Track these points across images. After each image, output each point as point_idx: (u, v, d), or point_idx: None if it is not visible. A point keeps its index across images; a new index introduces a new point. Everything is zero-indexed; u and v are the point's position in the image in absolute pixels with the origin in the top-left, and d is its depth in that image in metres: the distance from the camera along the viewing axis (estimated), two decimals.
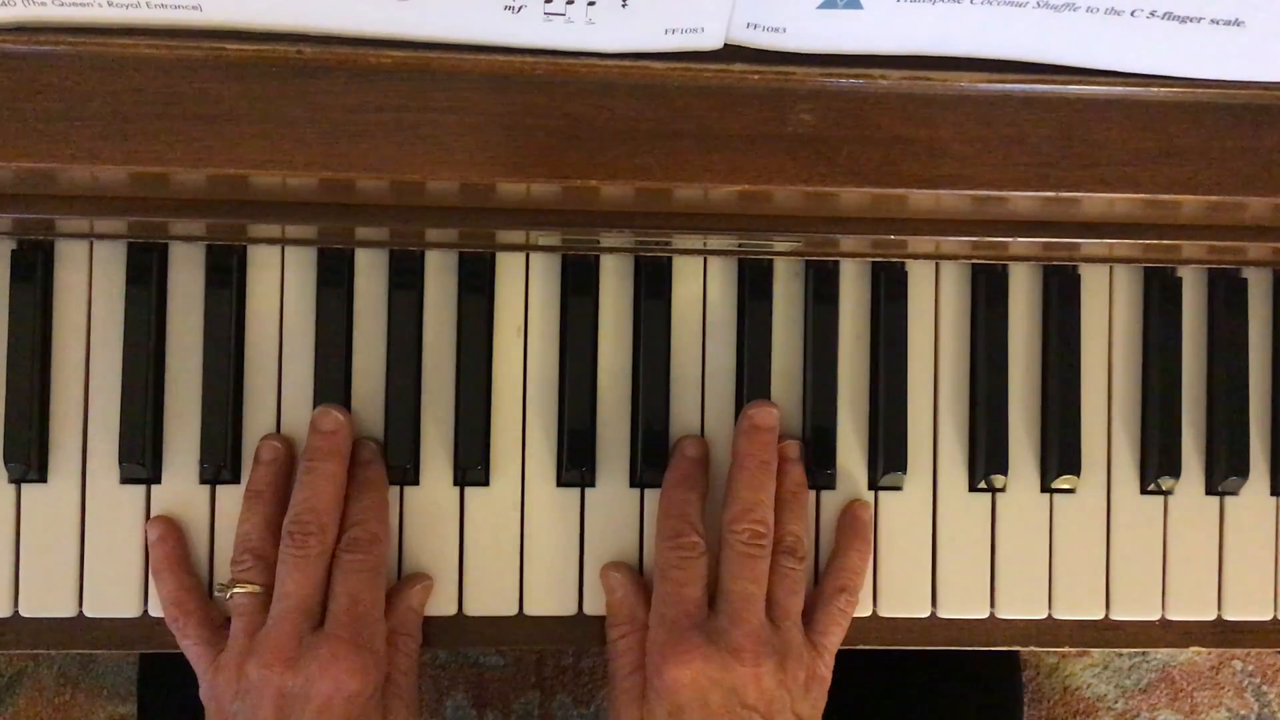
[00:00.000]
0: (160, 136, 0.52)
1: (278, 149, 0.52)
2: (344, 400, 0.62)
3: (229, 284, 0.61)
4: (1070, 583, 0.65)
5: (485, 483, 0.63)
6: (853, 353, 0.64)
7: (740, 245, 0.62)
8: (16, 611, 0.61)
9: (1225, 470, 0.65)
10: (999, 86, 0.54)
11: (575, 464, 0.63)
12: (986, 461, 0.64)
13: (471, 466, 0.62)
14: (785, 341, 0.64)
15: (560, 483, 0.63)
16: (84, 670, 1.10)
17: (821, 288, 0.64)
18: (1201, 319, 0.66)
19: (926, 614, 0.65)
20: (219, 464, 0.61)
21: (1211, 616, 0.66)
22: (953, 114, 0.54)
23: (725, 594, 0.59)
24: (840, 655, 0.62)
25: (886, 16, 0.51)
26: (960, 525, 0.65)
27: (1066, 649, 0.66)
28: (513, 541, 0.63)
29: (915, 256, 0.64)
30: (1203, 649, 0.68)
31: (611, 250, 0.63)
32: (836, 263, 0.64)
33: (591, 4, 0.50)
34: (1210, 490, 0.66)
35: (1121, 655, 1.18)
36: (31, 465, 0.60)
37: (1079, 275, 0.65)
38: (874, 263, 0.64)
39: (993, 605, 0.65)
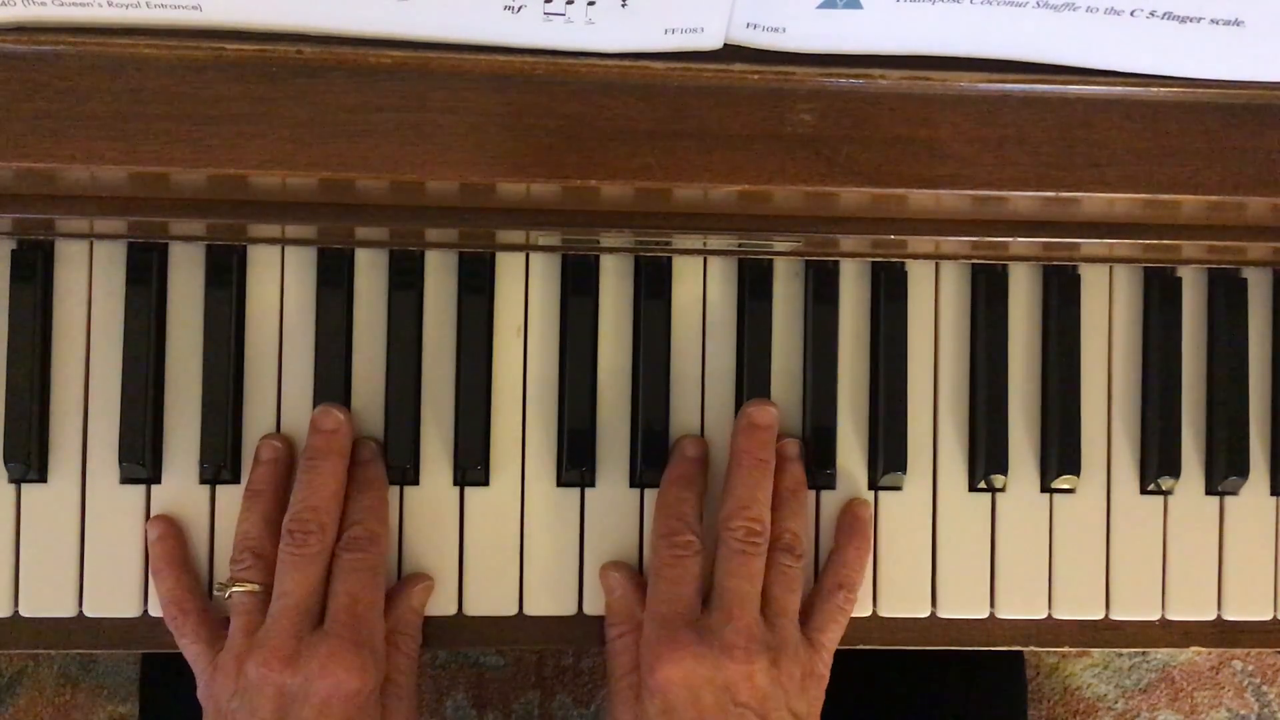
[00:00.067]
0: (160, 136, 0.52)
1: (278, 149, 0.52)
2: (344, 400, 0.62)
3: (229, 284, 0.61)
4: (1070, 583, 0.65)
5: (485, 483, 0.63)
6: (853, 353, 0.64)
7: (740, 245, 0.62)
8: (16, 611, 0.61)
9: (1225, 470, 0.65)
10: (999, 86, 0.54)
11: (575, 464, 0.63)
12: (986, 461, 0.64)
13: (471, 466, 0.62)
14: (785, 341, 0.64)
15: (560, 483, 0.63)
16: (84, 670, 1.10)
17: (821, 288, 0.64)
18: (1201, 319, 0.66)
19: (926, 614, 0.65)
20: (219, 464, 0.61)
21: (1211, 616, 0.66)
22: (952, 114, 0.54)
23: (719, 592, 0.59)
24: (842, 655, 0.62)
25: (886, 16, 0.51)
26: (960, 525, 0.65)
27: (1066, 649, 0.66)
28: (513, 541, 0.63)
29: (915, 256, 0.64)
30: (1203, 649, 0.68)
31: (611, 250, 0.63)
32: (836, 263, 0.64)
33: (591, 4, 0.50)
34: (1210, 490, 0.66)
35: (1121, 655, 1.18)
36: (31, 465, 0.60)
37: (1079, 275, 0.65)
38: (874, 263, 0.64)
39: (993, 605, 0.65)
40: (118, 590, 0.61)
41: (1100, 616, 0.65)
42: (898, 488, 0.64)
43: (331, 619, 0.57)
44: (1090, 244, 0.62)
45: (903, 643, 0.65)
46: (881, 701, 0.78)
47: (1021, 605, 0.65)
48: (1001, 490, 0.65)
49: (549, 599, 0.63)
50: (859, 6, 0.51)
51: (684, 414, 0.64)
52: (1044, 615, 0.65)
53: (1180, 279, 0.66)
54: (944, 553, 0.64)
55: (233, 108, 0.52)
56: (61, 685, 1.10)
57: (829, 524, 0.64)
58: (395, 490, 0.62)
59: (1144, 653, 1.18)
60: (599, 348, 0.63)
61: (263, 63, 0.51)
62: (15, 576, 0.61)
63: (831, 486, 0.64)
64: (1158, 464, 0.65)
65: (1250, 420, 0.66)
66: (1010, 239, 0.60)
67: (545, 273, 0.63)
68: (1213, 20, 0.52)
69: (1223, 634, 0.66)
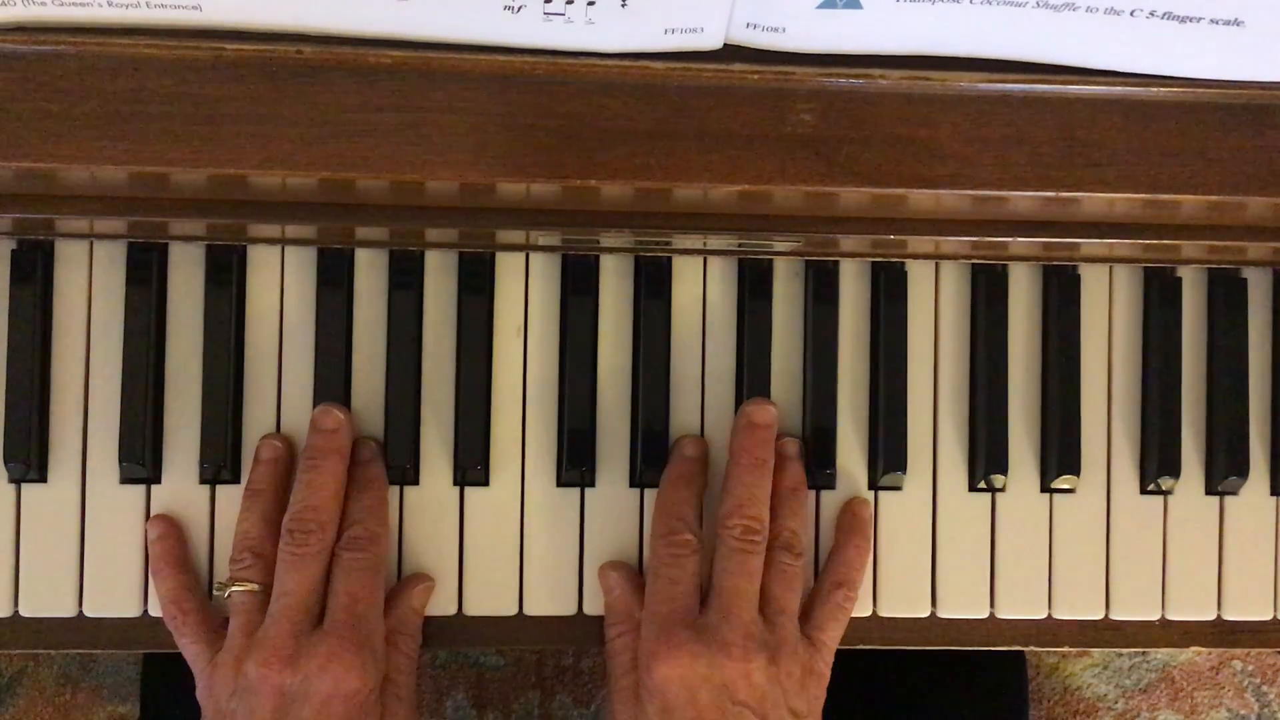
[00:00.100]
0: (160, 136, 0.52)
1: (278, 149, 0.52)
2: (344, 400, 0.62)
3: (229, 284, 0.61)
4: (1070, 583, 0.65)
5: (485, 482, 0.63)
6: (853, 353, 0.64)
7: (740, 245, 0.62)
8: (16, 611, 0.61)
9: (1225, 470, 0.65)
10: (999, 86, 0.54)
11: (575, 464, 0.63)
12: (986, 461, 0.64)
13: (471, 466, 0.62)
14: (785, 341, 0.64)
15: (560, 482, 0.63)
16: (84, 670, 1.10)
17: (821, 288, 0.64)
18: (1201, 319, 0.66)
19: (926, 614, 0.65)
20: (219, 464, 0.61)
21: (1211, 616, 0.66)
22: (952, 114, 0.54)
23: (717, 590, 0.59)
24: (842, 655, 0.62)
25: (886, 16, 0.51)
26: (960, 525, 0.65)
27: (1066, 649, 0.66)
28: (513, 541, 0.63)
29: (915, 256, 0.64)
30: (1203, 649, 0.68)
31: (611, 250, 0.63)
32: (836, 263, 0.64)
33: (591, 4, 0.50)
34: (1210, 490, 0.66)
35: (1121, 655, 1.18)
36: (31, 465, 0.60)
37: (1079, 275, 0.65)
38: (874, 263, 0.64)
39: (992, 605, 0.65)
40: (118, 590, 0.61)
41: (1100, 616, 0.65)
42: (898, 488, 0.64)
43: (331, 618, 0.57)
44: (1090, 244, 0.62)
45: (903, 643, 0.65)
46: (881, 701, 0.78)
47: (1021, 605, 0.65)
48: (1001, 490, 0.65)
49: (549, 599, 0.63)
50: (859, 6, 0.51)
51: (684, 414, 0.64)
52: (1044, 615, 0.65)
53: (1180, 279, 0.66)
54: (944, 553, 0.64)
55: (233, 108, 0.52)
56: (61, 685, 1.10)
57: (829, 524, 0.64)
58: (395, 490, 0.62)
59: (1144, 653, 1.18)
60: (599, 348, 0.63)
61: (263, 63, 0.52)
62: (15, 576, 0.61)
63: (831, 486, 0.64)
64: (1158, 464, 0.65)
65: (1250, 420, 0.66)
66: (1010, 239, 0.60)
67: (545, 273, 0.63)
68: (1212, 20, 0.52)
69: (1223, 634, 0.66)
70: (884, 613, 0.64)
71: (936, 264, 0.65)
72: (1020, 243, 0.61)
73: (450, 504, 0.63)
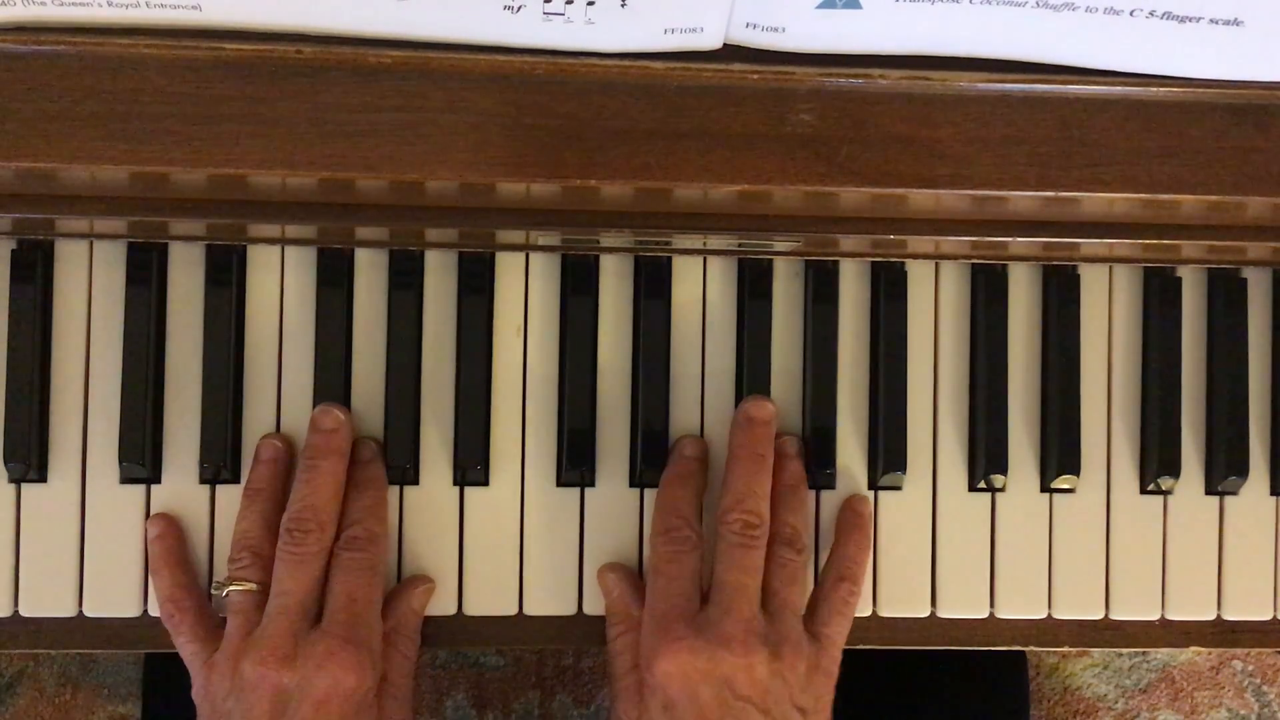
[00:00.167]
0: (160, 136, 0.52)
1: (278, 149, 0.52)
2: (344, 400, 0.62)
3: (229, 284, 0.61)
4: (1070, 582, 0.65)
5: (485, 482, 0.63)
6: (852, 353, 0.64)
7: (740, 245, 0.62)
8: (16, 611, 0.61)
9: (1225, 470, 0.65)
10: (998, 86, 0.54)
11: (575, 464, 0.63)
12: (986, 461, 0.64)
13: (471, 466, 0.62)
14: (785, 341, 0.64)
15: (560, 482, 0.63)
16: (84, 670, 1.10)
17: (821, 288, 0.64)
18: (1201, 319, 0.66)
19: (926, 614, 0.65)
20: (219, 463, 0.61)
21: (1211, 616, 0.66)
22: (952, 114, 0.54)
23: (717, 585, 0.59)
24: (843, 655, 0.62)
25: (885, 16, 0.51)
26: (960, 525, 0.65)
27: (1066, 649, 0.66)
28: (512, 541, 0.63)
29: (915, 256, 0.64)
30: (1203, 649, 0.68)
31: (611, 250, 0.63)
32: (836, 263, 0.64)
33: (591, 4, 0.50)
34: (1210, 490, 0.66)
35: (1121, 655, 1.18)
36: (31, 465, 0.60)
37: (1079, 275, 0.65)
38: (874, 263, 0.64)
39: (992, 605, 0.65)
40: (118, 590, 0.61)
41: (1100, 616, 0.65)
42: (897, 488, 0.64)
43: (329, 618, 0.57)
44: (1090, 244, 0.62)
45: (903, 643, 0.65)
46: (882, 702, 0.78)
47: (1021, 605, 0.65)
48: (1001, 490, 0.65)
49: (549, 599, 0.63)
50: (858, 6, 0.51)
51: (684, 414, 0.64)
52: (1044, 615, 0.65)
53: (1180, 279, 0.66)
54: (944, 553, 0.64)
55: (233, 108, 0.52)
56: (61, 685, 1.10)
57: (829, 524, 0.64)
58: (395, 490, 0.62)
59: (1144, 653, 1.18)
60: (599, 348, 0.63)
61: (263, 63, 0.52)
62: (15, 576, 0.61)
63: (831, 486, 0.64)
64: (1157, 464, 0.65)
65: (1250, 420, 0.66)
66: (1010, 239, 0.60)
67: (545, 273, 0.63)
68: (1212, 20, 0.52)
69: (1223, 634, 0.66)
70: (884, 613, 0.64)
71: (936, 264, 0.65)
72: (1020, 243, 0.61)
73: (450, 504, 0.63)
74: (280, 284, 0.62)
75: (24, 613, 0.61)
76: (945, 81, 0.54)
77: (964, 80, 0.54)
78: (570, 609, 0.63)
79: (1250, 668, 1.19)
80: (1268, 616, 0.66)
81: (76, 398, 0.61)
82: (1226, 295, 0.66)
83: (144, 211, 0.57)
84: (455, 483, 0.63)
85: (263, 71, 0.52)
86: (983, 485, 0.65)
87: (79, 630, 0.61)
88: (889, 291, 0.64)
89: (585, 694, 1.12)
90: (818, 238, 0.61)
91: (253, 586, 0.58)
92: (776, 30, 0.52)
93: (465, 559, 0.63)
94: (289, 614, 0.57)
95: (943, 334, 0.65)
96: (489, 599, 0.63)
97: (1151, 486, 0.65)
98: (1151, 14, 0.52)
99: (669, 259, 0.63)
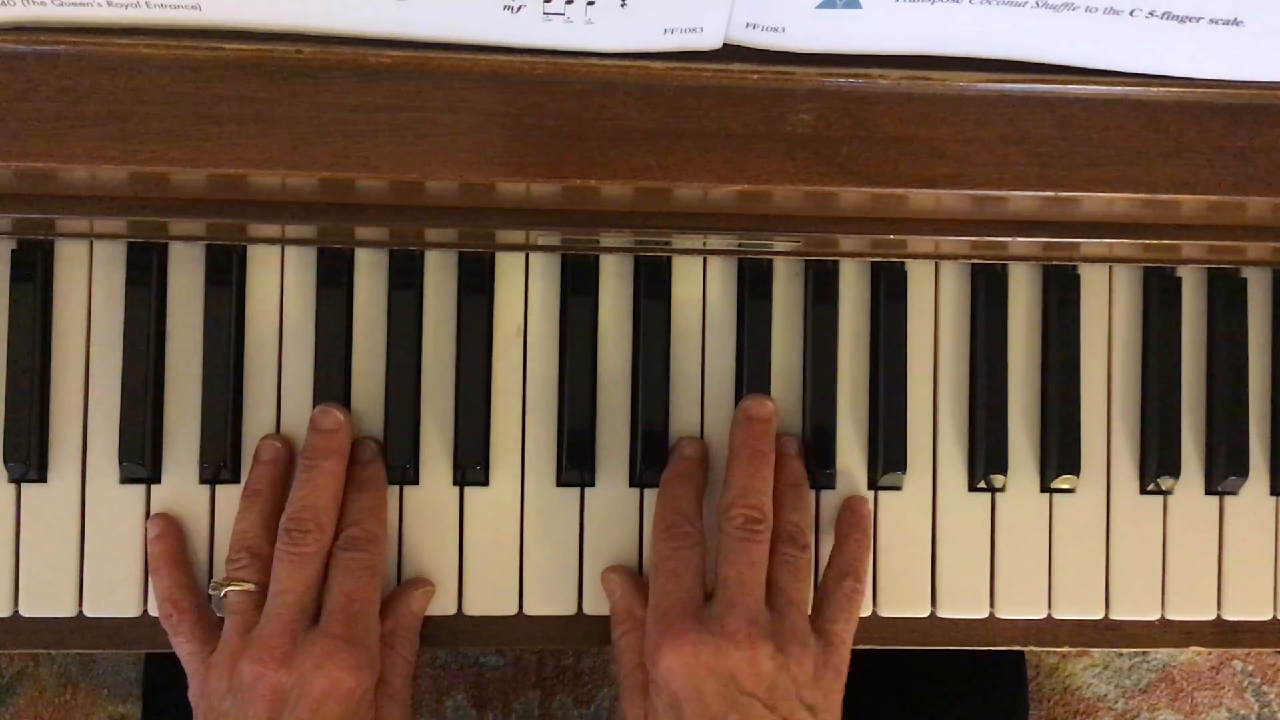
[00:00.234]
0: (160, 136, 0.52)
1: (277, 149, 0.52)
2: (344, 400, 0.62)
3: (229, 284, 0.61)
4: (1070, 582, 0.65)
5: (485, 482, 0.63)
6: (852, 353, 0.64)
7: (740, 245, 0.62)
8: (16, 611, 0.61)
9: (1225, 470, 0.65)
10: (998, 86, 0.54)
11: (575, 464, 0.63)
12: (986, 461, 0.64)
13: (471, 466, 0.62)
14: (785, 341, 0.64)
15: (560, 482, 0.63)
16: (84, 670, 1.10)
17: (821, 287, 0.64)
18: (1201, 319, 0.66)
19: (926, 614, 0.65)
20: (219, 463, 0.61)
21: (1211, 616, 0.66)
22: (952, 114, 0.54)
23: (720, 581, 0.59)
24: None
25: (885, 16, 0.51)
26: (960, 525, 0.65)
27: (1066, 649, 0.66)
28: (512, 541, 0.63)
29: (915, 256, 0.64)
30: (1203, 649, 0.68)
31: (611, 250, 0.63)
32: (836, 263, 0.64)
33: (591, 4, 0.50)
34: (1210, 490, 0.66)
35: (1121, 655, 1.18)
36: (31, 465, 0.60)
37: (1079, 275, 0.65)
38: (874, 262, 0.64)
39: (992, 605, 0.65)
40: (118, 590, 0.61)
41: (1100, 616, 0.65)
42: (897, 487, 0.64)
43: (327, 617, 0.57)
44: (1090, 244, 0.62)
45: (903, 643, 0.65)
46: (880, 702, 0.78)
47: (1021, 605, 0.65)
48: (1001, 490, 0.65)
49: (549, 599, 0.63)
50: (858, 6, 0.51)
51: (684, 414, 0.64)
52: (1044, 615, 0.65)
53: (1180, 279, 0.66)
54: (944, 552, 0.64)
55: (233, 108, 0.52)
56: (61, 685, 1.10)
57: (829, 524, 0.64)
58: (395, 490, 0.62)
59: (1144, 653, 1.18)
60: (599, 348, 0.63)
61: (262, 63, 0.52)
62: (15, 576, 0.61)
63: (831, 486, 0.64)
64: (1157, 464, 0.65)
65: (1250, 420, 0.66)
66: (1010, 239, 0.60)
67: (545, 273, 0.63)
68: (1212, 20, 0.52)
69: (1223, 634, 0.66)
70: (884, 613, 0.64)
71: (936, 264, 0.65)
72: (1020, 243, 0.61)
73: (450, 504, 0.63)
74: (280, 284, 0.62)
75: (24, 613, 0.61)
76: (945, 81, 0.54)
77: (964, 80, 0.54)
78: (570, 609, 0.63)
79: (1250, 668, 1.19)
80: (1268, 616, 0.66)
81: (76, 398, 0.61)
82: (1226, 295, 0.66)
83: (144, 211, 0.57)
84: (455, 483, 0.63)
85: (263, 71, 0.52)
86: (983, 485, 0.65)
87: (79, 630, 0.61)
88: (889, 291, 0.64)
89: (585, 694, 1.12)
90: (818, 238, 0.61)
91: (251, 587, 0.58)
92: (776, 30, 0.52)
93: (465, 559, 0.63)
94: (287, 614, 0.57)
95: (943, 334, 0.65)
96: (489, 599, 0.63)
97: (1151, 486, 0.65)
98: (1151, 14, 0.52)
99: (669, 259, 0.63)
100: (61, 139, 0.51)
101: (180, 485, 0.62)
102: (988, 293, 0.65)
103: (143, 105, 0.51)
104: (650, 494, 0.63)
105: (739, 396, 0.64)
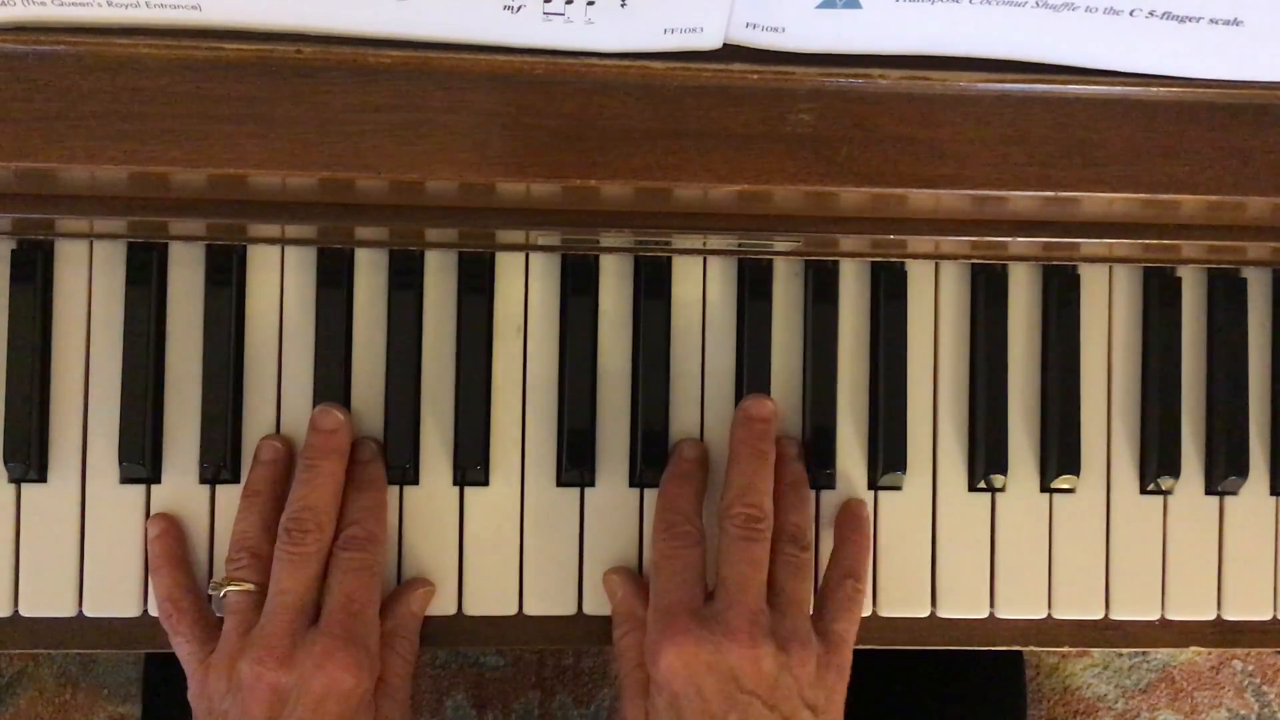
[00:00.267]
0: (160, 136, 0.52)
1: (277, 149, 0.52)
2: (344, 400, 0.62)
3: (229, 284, 0.61)
4: (1070, 582, 0.65)
5: (485, 482, 0.63)
6: (852, 353, 0.64)
7: (740, 245, 0.62)
8: (16, 611, 0.61)
9: (1225, 470, 0.65)
10: (998, 86, 0.54)
11: (575, 463, 0.63)
12: (986, 461, 0.64)
13: (471, 466, 0.62)
14: (785, 341, 0.64)
15: (560, 482, 0.63)
16: (84, 670, 1.10)
17: (821, 287, 0.64)
18: (1201, 319, 0.66)
19: (926, 614, 0.65)
20: (219, 463, 0.61)
21: (1211, 616, 0.66)
22: (952, 114, 0.54)
23: (721, 579, 0.58)
24: None
25: (885, 16, 0.51)
26: (960, 525, 0.65)
27: (1066, 649, 0.66)
28: (512, 541, 0.63)
29: (915, 256, 0.64)
30: (1203, 649, 0.68)
31: (611, 250, 0.63)
32: (836, 263, 0.64)
33: (590, 4, 0.50)
34: (1210, 490, 0.66)
35: (1121, 655, 1.18)
36: (31, 465, 0.60)
37: (1079, 275, 0.65)
38: (874, 262, 0.64)
39: (992, 605, 0.65)
40: (118, 590, 0.61)
41: (1100, 616, 0.65)
42: (897, 487, 0.64)
43: (327, 617, 0.57)
44: (1090, 244, 0.62)
45: (903, 643, 0.65)
46: (878, 701, 0.78)
47: (1021, 605, 0.65)
48: (1001, 490, 0.65)
49: (549, 599, 0.63)
50: (858, 6, 0.51)
51: (684, 414, 0.64)
52: (1044, 615, 0.65)
53: (1180, 279, 0.66)
54: (944, 553, 0.64)
55: (233, 108, 0.52)
56: (61, 685, 1.10)
57: (828, 525, 0.64)
58: (395, 490, 0.62)
59: (1144, 653, 1.18)
60: (599, 348, 0.63)
61: (262, 63, 0.52)
62: (15, 576, 0.61)
63: (831, 486, 0.64)
64: (1157, 464, 0.65)
65: (1250, 420, 0.66)
66: (1010, 239, 0.60)
67: (545, 273, 0.63)
68: (1212, 20, 0.52)
69: (1223, 634, 0.66)
70: (884, 613, 0.64)
71: (936, 264, 0.65)
72: (1020, 243, 0.61)
73: (450, 504, 0.63)
74: (280, 284, 0.62)
75: (24, 613, 0.61)
76: (945, 81, 0.54)
77: (964, 80, 0.54)
78: (570, 609, 0.63)
79: (1250, 668, 1.19)
80: (1268, 616, 0.66)
81: (76, 398, 0.61)
82: (1226, 295, 0.66)
83: (144, 211, 0.57)
84: (455, 483, 0.63)
85: (263, 71, 0.52)
86: (983, 485, 0.65)
87: (79, 630, 0.61)
88: (889, 291, 0.64)
89: (585, 694, 1.12)
90: (818, 238, 0.61)
91: (250, 587, 0.58)
92: (776, 30, 0.52)
93: (465, 559, 0.63)
94: (287, 614, 0.57)
95: (943, 334, 0.65)
96: (489, 599, 0.63)
97: (1151, 486, 0.65)
98: (1151, 14, 0.52)
99: (669, 259, 0.63)
100: (61, 139, 0.51)
101: (180, 485, 0.62)
102: (988, 293, 0.65)
103: (143, 105, 0.51)
104: (650, 494, 0.63)
105: (739, 396, 0.64)
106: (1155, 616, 0.66)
